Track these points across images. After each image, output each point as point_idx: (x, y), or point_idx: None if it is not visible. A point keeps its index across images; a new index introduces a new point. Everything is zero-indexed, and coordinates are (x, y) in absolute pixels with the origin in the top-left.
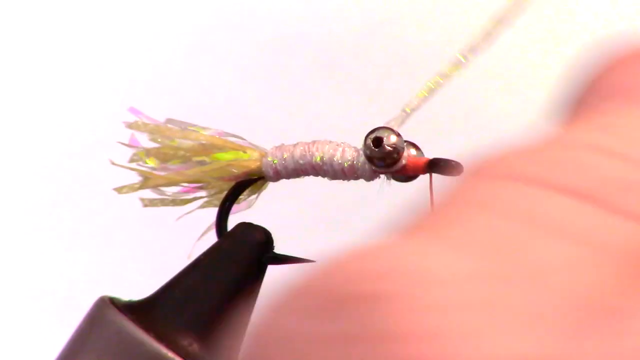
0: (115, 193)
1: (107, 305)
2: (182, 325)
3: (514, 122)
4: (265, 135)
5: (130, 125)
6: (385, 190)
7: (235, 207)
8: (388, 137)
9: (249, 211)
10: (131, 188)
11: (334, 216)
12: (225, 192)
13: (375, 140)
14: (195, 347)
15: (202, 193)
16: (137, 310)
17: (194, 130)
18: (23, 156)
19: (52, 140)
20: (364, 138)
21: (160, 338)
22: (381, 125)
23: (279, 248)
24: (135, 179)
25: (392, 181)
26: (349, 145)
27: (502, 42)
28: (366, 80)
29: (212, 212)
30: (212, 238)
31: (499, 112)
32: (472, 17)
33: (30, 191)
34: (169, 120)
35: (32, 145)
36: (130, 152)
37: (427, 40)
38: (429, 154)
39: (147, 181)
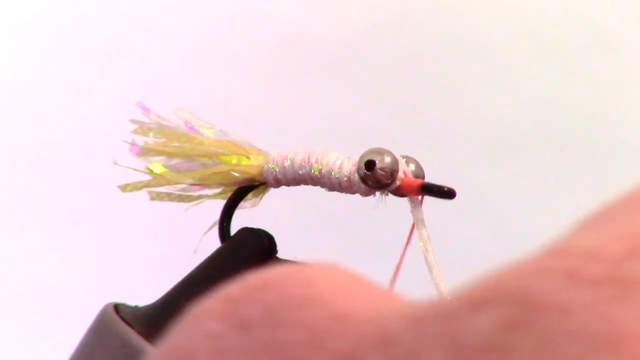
0: (120, 191)
1: (113, 315)
2: None
3: None
4: (269, 135)
5: (135, 131)
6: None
7: (239, 204)
8: (381, 160)
9: (251, 214)
10: (135, 187)
11: (337, 219)
12: (228, 192)
13: (367, 164)
14: None
15: (207, 191)
16: (142, 321)
17: (198, 134)
18: (25, 156)
19: (54, 140)
20: (358, 159)
21: None
22: (376, 147)
23: (283, 252)
24: (140, 177)
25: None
26: (349, 158)
27: None
28: (370, 81)
29: (216, 212)
30: (215, 240)
31: None
32: (471, 20)
33: (31, 191)
34: (179, 110)
35: (34, 145)
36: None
37: (429, 42)
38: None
39: (151, 181)
